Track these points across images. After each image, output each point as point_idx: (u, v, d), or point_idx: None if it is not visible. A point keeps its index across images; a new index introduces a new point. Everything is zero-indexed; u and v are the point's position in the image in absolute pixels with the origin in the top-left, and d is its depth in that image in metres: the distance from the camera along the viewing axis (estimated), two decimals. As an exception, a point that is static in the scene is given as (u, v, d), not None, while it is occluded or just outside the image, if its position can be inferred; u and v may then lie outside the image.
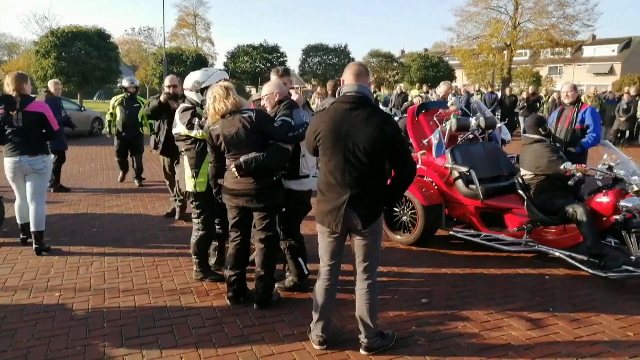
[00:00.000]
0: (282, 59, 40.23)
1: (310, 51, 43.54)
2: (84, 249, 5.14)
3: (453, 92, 7.46)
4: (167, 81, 6.06)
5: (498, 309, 3.83)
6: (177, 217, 6.26)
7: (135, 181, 8.45)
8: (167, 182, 6.43)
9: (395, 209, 5.42)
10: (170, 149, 5.84)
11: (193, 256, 4.30)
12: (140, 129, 8.04)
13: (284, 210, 3.95)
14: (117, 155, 8.42)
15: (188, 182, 4.18)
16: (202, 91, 4.15)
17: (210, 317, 3.64)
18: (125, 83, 8.31)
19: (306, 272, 4.10)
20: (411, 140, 5.82)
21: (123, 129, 8.10)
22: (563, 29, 34.71)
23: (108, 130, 8.35)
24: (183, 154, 4.22)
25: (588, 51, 56.11)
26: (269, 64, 36.80)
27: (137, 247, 5.21)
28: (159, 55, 32.80)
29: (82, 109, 16.31)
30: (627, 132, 14.50)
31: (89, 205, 7.03)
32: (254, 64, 36.57)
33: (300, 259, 4.07)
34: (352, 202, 2.87)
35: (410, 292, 4.16)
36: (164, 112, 5.75)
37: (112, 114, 8.13)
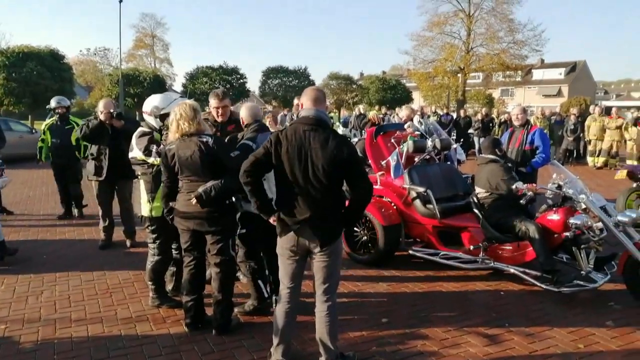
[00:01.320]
0: (241, 80, 40.26)
1: (270, 73, 43.79)
2: (34, 277, 4.91)
3: (415, 114, 7.64)
4: (101, 106, 5.74)
5: (456, 326, 3.88)
6: (128, 245, 5.99)
7: (75, 210, 7.60)
8: (100, 210, 6.05)
9: (355, 229, 5.46)
10: (114, 175, 5.72)
11: (149, 282, 4.18)
12: (77, 153, 6.98)
13: (244, 231, 3.92)
14: (57, 184, 7.62)
15: (144, 206, 4.10)
16: (162, 117, 4.09)
17: (167, 345, 3.53)
18: (52, 103, 7.36)
19: (266, 295, 4.04)
20: (370, 161, 5.92)
21: (54, 155, 7.28)
22: (513, 53, 36.34)
23: (39, 156, 7.49)
24: (139, 177, 4.14)
25: (537, 74, 58.92)
26: (228, 85, 36.74)
27: (90, 274, 5.02)
28: (115, 75, 32.24)
29: (33, 131, 15.76)
30: (575, 151, 15.19)
31: (39, 231, 6.74)
32: (213, 85, 36.41)
33: (260, 282, 4.02)
34: (311, 222, 2.89)
35: (370, 312, 4.17)
36: (105, 135, 5.58)
37: (42, 139, 7.39)
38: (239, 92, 39.57)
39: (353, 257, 5.45)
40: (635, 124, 13.74)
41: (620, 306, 4.28)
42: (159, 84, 32.26)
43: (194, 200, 3.44)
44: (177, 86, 53.26)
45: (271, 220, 3.05)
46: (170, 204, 3.66)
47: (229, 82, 38.11)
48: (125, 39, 68.95)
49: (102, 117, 5.55)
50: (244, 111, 4.11)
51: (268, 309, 3.95)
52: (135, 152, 4.06)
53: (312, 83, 46.38)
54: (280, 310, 3.11)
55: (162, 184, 3.72)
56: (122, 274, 5.02)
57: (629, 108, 25.47)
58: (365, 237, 5.43)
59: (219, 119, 4.28)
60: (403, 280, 4.94)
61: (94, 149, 5.82)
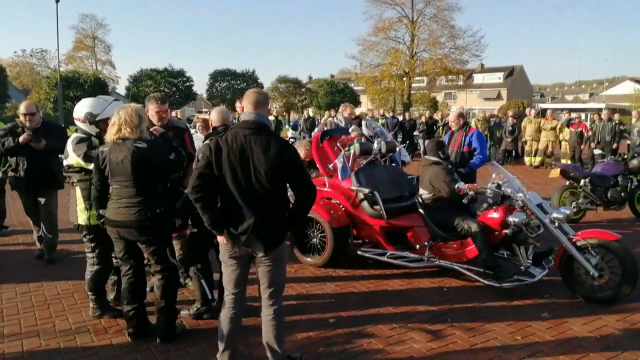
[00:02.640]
0: (187, 83, 39.52)
1: (218, 76, 43.25)
2: (-39, 291, 4.59)
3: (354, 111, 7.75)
4: (23, 108, 5.31)
5: (401, 323, 3.97)
6: (45, 257, 5.55)
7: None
8: (31, 221, 5.74)
9: (306, 231, 5.48)
10: (35, 185, 5.38)
11: (89, 292, 4.01)
12: None
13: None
14: None
15: (80, 214, 3.91)
16: (97, 123, 3.93)
17: (110, 356, 3.41)
18: None
19: (210, 297, 4.00)
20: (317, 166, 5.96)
21: None
22: (455, 58, 37.69)
23: None
24: (75, 185, 3.95)
25: (478, 78, 61.27)
26: (174, 88, 35.98)
27: (26, 286, 4.76)
28: (53, 78, 30.81)
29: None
30: (513, 151, 15.90)
31: (-32, 243, 6.32)
32: (158, 88, 35.54)
33: (204, 283, 3.98)
34: (255, 227, 2.85)
35: (318, 313, 4.18)
36: (24, 147, 5.21)
37: None
38: (185, 95, 38.82)
39: (302, 260, 5.46)
40: (568, 126, 14.58)
41: (555, 298, 4.51)
42: (100, 87, 31.17)
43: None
44: (121, 89, 51.52)
45: (220, 239, 2.97)
46: (101, 211, 3.53)
47: (174, 85, 37.35)
48: (65, 40, 65.83)
49: (21, 139, 5.16)
50: (213, 114, 4.15)
51: (215, 314, 3.89)
52: (72, 159, 3.88)
53: (260, 86, 46.23)
54: (225, 315, 3.06)
55: (92, 186, 3.57)
56: (60, 285, 4.79)
57: (562, 110, 26.93)
58: (315, 240, 5.45)
59: (158, 124, 4.14)
60: (351, 280, 4.99)
61: (12, 160, 5.42)
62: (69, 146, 3.91)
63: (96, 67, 54.64)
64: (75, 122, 4.01)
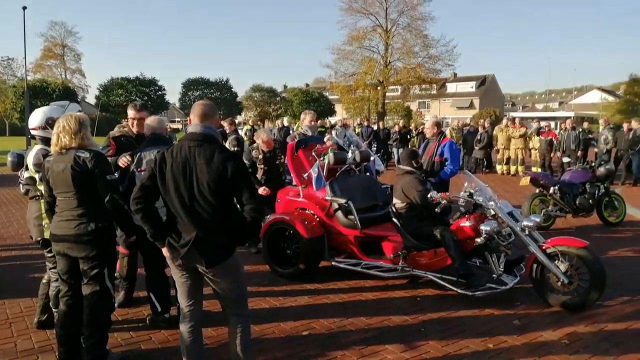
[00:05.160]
0: (160, 92, 39.09)
1: (191, 85, 42.92)
2: None
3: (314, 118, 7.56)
4: None
5: (374, 334, 3.96)
6: None
7: None
8: None
9: (280, 242, 5.45)
10: None
11: (53, 309, 3.87)
12: None
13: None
14: None
15: (40, 229, 3.78)
16: None
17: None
18: None
19: (158, 310, 4.00)
20: (292, 175, 5.94)
21: None
22: (428, 68, 38.16)
23: None
24: (38, 198, 3.81)
25: (451, 87, 62.31)
26: (145, 97, 35.50)
27: (-13, 304, 4.57)
28: (20, 87, 30.06)
29: None
30: (485, 160, 16.18)
31: None
32: (129, 97, 35.03)
33: (152, 295, 3.98)
34: (197, 241, 2.78)
35: (291, 325, 4.14)
36: None
37: None
38: (157, 104, 38.35)
39: (276, 272, 5.41)
40: (538, 134, 14.94)
41: (526, 305, 4.58)
42: (69, 96, 30.53)
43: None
44: (90, 98, 50.62)
45: (163, 250, 2.91)
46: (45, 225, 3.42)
47: (146, 94, 36.89)
48: (33, 48, 64.42)
49: None
50: (148, 121, 4.22)
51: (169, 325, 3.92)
52: (31, 172, 3.79)
53: (234, 95, 46.02)
54: (184, 329, 2.99)
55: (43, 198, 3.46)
56: (24, 302, 4.62)
57: (533, 119, 27.57)
58: (289, 251, 5.42)
59: (134, 130, 4.25)
60: (325, 292, 4.96)
61: None
62: (31, 158, 3.78)
63: (65, 75, 53.58)
64: (33, 132, 3.89)
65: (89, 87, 56.45)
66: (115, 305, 3.97)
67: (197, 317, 3.03)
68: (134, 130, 4.36)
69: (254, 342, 3.23)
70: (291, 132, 17.37)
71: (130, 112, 4.34)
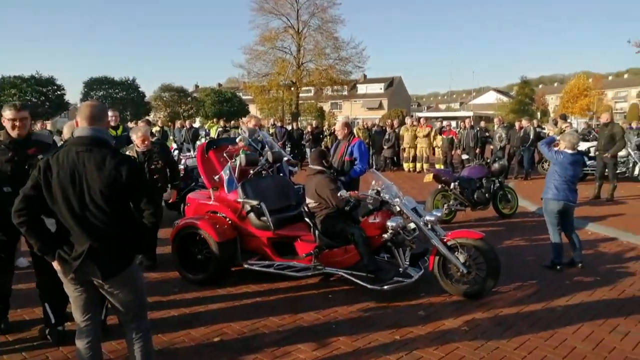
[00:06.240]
0: (59, 92, 36.43)
1: (94, 84, 40.46)
2: None
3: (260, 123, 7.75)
4: None
5: (287, 334, 4.00)
6: None
7: None
8: None
9: (190, 247, 5.31)
10: None
11: None
12: None
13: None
14: None
15: None
16: None
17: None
18: None
19: (52, 321, 3.76)
20: (202, 177, 5.81)
21: None
22: (339, 69, 38.95)
23: None
24: None
25: (361, 88, 64.22)
26: (42, 98, 32.91)
27: None
28: None
29: None
30: (393, 158, 16.86)
31: None
32: (24, 97, 32.25)
33: (46, 305, 3.76)
34: (91, 253, 2.63)
35: (202, 332, 4.06)
36: None
37: None
38: (56, 105, 35.68)
39: (187, 278, 5.26)
40: (440, 133, 15.84)
41: (430, 296, 4.85)
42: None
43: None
44: (-23, 98, 45.88)
45: (54, 264, 2.73)
46: None
47: (43, 94, 34.15)
48: None
49: None
50: (65, 128, 3.99)
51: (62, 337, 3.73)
52: None
53: (141, 95, 44.02)
54: (80, 346, 2.83)
55: None
56: None
57: (437, 118, 29.16)
58: (200, 256, 5.29)
59: (14, 133, 3.72)
60: (237, 296, 4.91)
61: None
62: None
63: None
64: None
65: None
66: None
67: (96, 332, 2.88)
68: (13, 133, 3.74)
69: (159, 354, 3.13)
70: (202, 133, 17.02)
71: (8, 113, 3.71)
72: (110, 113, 7.89)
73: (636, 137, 13.40)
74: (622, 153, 11.64)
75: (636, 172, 12.74)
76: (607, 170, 10.30)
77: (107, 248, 2.67)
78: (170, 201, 5.67)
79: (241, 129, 7.04)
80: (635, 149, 12.32)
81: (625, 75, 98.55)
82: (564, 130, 9.71)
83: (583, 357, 3.66)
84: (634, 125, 18.84)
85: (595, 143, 13.34)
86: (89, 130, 2.69)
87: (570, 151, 5.76)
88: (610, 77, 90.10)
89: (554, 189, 5.74)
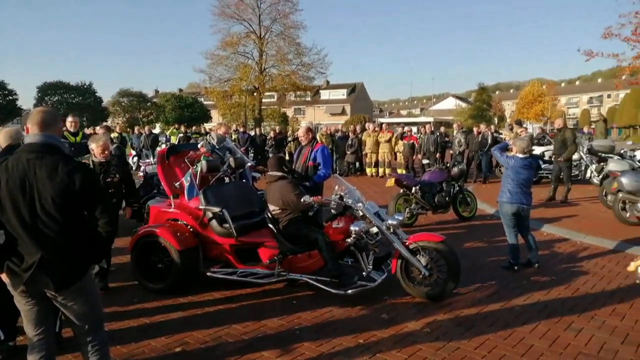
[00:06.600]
0: (10, 97, 35.04)
1: (48, 89, 39.15)
2: None
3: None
4: None
5: (250, 342, 3.96)
6: None
7: None
8: None
9: (150, 256, 5.19)
10: None
11: None
12: None
13: None
14: None
15: None
16: None
17: None
18: None
19: (2, 337, 3.61)
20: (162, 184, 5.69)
21: None
22: (302, 75, 39.11)
23: None
24: None
25: (324, 94, 64.58)
26: (-8, 103, 31.57)
27: None
28: None
29: None
30: (356, 163, 17.01)
31: None
32: (-28, 102, 30.90)
33: None
34: (42, 264, 2.52)
35: (163, 342, 3.96)
36: None
37: None
38: (8, 111, 34.30)
39: (147, 288, 5.13)
40: (402, 138, 16.10)
41: (393, 299, 4.90)
42: None
43: None
44: None
45: (2, 277, 2.62)
46: None
47: (-7, 99, 32.75)
48: None
49: None
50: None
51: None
52: None
53: (99, 100, 42.88)
54: None
55: None
56: None
57: (398, 124, 29.61)
58: (160, 265, 5.17)
59: None
60: (199, 304, 4.83)
61: None
62: None
63: None
64: None
65: None
66: None
67: (49, 346, 2.76)
68: None
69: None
70: (162, 139, 16.71)
71: None
72: (70, 119, 7.65)
73: (587, 141, 13.98)
74: (575, 157, 12.16)
75: (588, 175, 13.31)
76: (562, 173, 10.71)
77: (59, 258, 2.57)
78: (125, 218, 5.39)
79: (210, 136, 6.93)
80: (586, 152, 12.85)
81: (577, 82, 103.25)
82: (520, 135, 10.06)
83: (540, 354, 3.78)
84: (585, 130, 19.67)
85: (549, 147, 13.90)
86: (40, 137, 2.60)
87: (521, 155, 5.96)
88: (563, 84, 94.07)
89: (508, 193, 5.93)
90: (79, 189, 2.55)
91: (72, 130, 7.55)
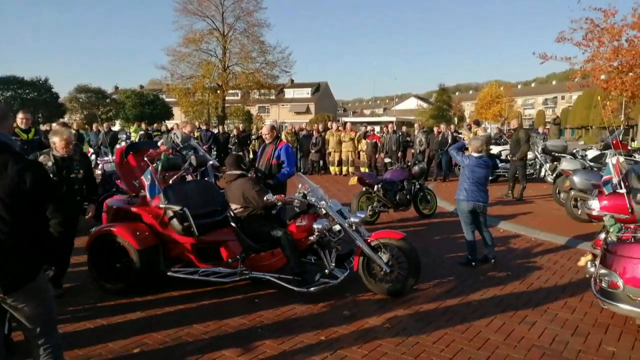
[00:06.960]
0: (-41, 92, 33.45)
1: (0, 84, 37.49)
2: None
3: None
4: None
5: (211, 341, 3.93)
6: None
7: None
8: None
9: (108, 256, 5.05)
10: None
11: None
12: None
13: None
14: None
15: None
16: None
17: None
18: None
19: None
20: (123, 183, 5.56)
21: None
22: (266, 73, 38.76)
23: None
24: None
25: (288, 93, 64.44)
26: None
27: None
28: None
29: None
30: (320, 162, 17.07)
31: None
32: None
33: None
34: None
35: (121, 344, 3.87)
36: None
37: None
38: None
39: (105, 288, 5.00)
40: (365, 137, 16.26)
41: (355, 296, 4.96)
42: None
43: None
44: None
45: None
46: None
47: (-60, 93, 31.17)
48: None
49: None
50: None
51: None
52: None
53: (55, 96, 41.40)
54: None
55: None
56: None
57: (362, 123, 29.85)
58: (118, 265, 5.05)
59: None
60: (159, 304, 4.74)
61: None
62: None
63: None
64: None
65: None
66: None
67: (1, 352, 2.66)
68: None
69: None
70: (122, 136, 16.30)
71: None
72: (20, 115, 7.37)
73: (542, 141, 14.50)
74: (530, 156, 12.59)
75: (542, 174, 13.81)
76: (517, 172, 11.07)
77: (8, 259, 2.47)
78: (88, 217, 5.20)
79: (174, 134, 6.80)
80: (541, 152, 13.33)
81: (533, 84, 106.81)
82: (478, 135, 10.33)
83: (496, 347, 3.90)
84: (540, 130, 20.40)
85: (506, 147, 14.34)
86: None
87: (476, 154, 6.14)
88: (519, 86, 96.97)
89: (464, 191, 6.09)
90: (30, 188, 2.46)
91: (23, 127, 7.27)
